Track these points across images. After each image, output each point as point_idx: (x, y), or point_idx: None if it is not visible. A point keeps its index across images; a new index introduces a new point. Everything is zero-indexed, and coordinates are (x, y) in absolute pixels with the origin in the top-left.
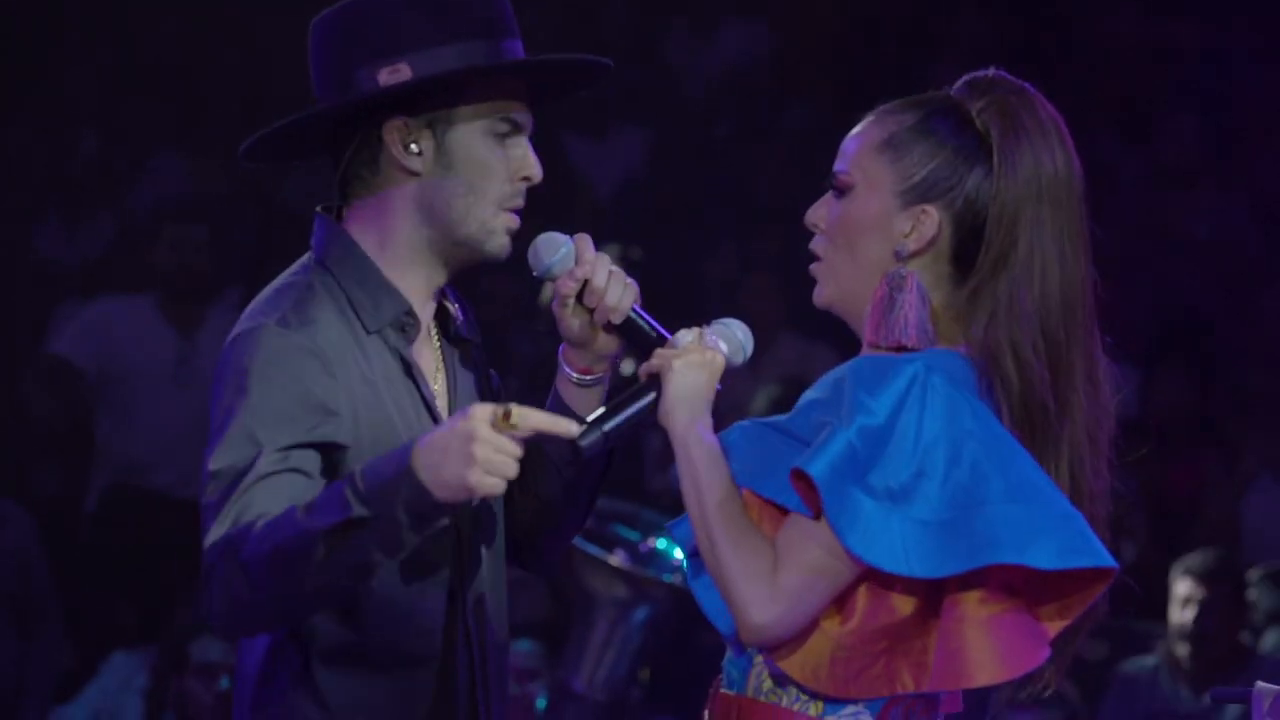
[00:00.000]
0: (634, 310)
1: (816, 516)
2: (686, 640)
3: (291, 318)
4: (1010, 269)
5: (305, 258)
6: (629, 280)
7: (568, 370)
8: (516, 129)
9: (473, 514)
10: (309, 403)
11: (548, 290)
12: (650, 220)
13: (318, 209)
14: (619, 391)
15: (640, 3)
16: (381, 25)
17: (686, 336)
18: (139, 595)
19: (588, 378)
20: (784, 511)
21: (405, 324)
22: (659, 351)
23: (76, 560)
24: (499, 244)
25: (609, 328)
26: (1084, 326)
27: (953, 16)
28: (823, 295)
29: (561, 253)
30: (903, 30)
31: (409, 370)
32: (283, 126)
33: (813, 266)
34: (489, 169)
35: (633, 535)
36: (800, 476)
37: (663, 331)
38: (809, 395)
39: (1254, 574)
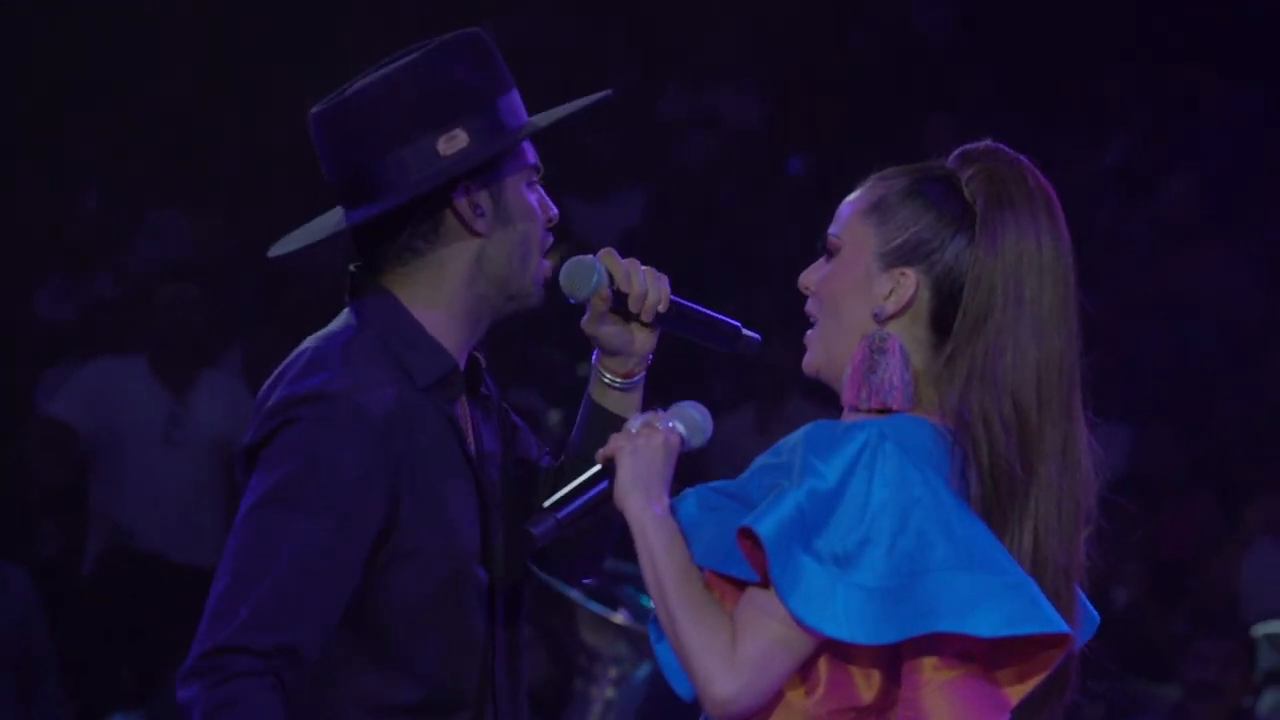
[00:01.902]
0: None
1: (764, 579)
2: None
3: (343, 380)
4: (985, 337)
5: (345, 320)
6: (657, 273)
7: (609, 378)
8: (538, 172)
9: (505, 569)
10: (363, 524)
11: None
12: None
13: (351, 270)
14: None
15: (641, 63)
16: (427, 94)
17: (639, 421)
18: (137, 656)
19: (631, 380)
20: (744, 587)
21: (452, 383)
22: (613, 436)
23: (76, 621)
24: (540, 295)
25: (654, 321)
26: (1060, 400)
27: (953, 72)
28: (810, 362)
29: (597, 275)
30: (903, 86)
31: (454, 430)
32: (362, 222)
33: (807, 334)
34: (534, 216)
35: (637, 594)
36: (747, 535)
37: (701, 308)
38: (762, 460)
39: (1256, 632)
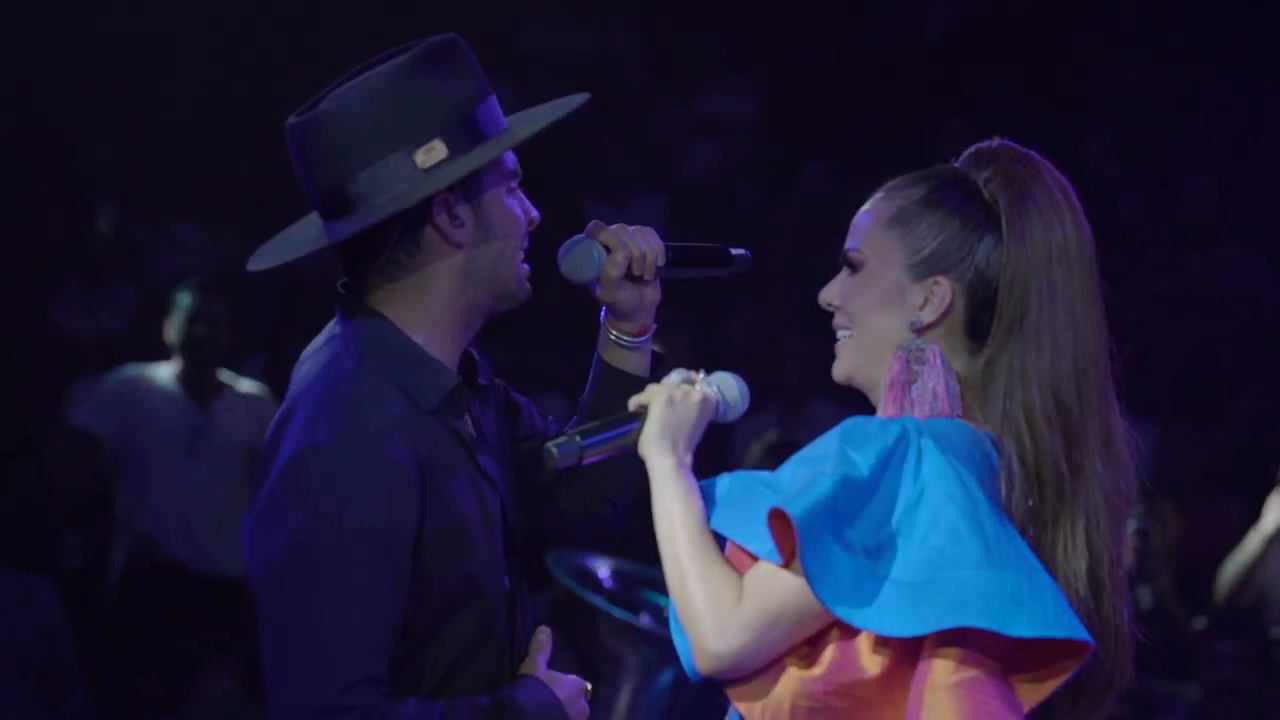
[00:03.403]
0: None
1: (786, 564)
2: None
3: (358, 423)
4: (1022, 337)
5: (337, 345)
6: (644, 229)
7: (622, 338)
8: (517, 176)
9: (520, 568)
10: (393, 569)
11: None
12: (671, 285)
13: (340, 289)
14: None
15: (652, 70)
16: (404, 106)
17: (679, 376)
18: (163, 665)
19: (643, 338)
20: (755, 559)
21: (457, 399)
22: (650, 386)
23: (101, 631)
24: (527, 290)
25: (656, 274)
26: (1098, 391)
27: (967, 72)
28: (841, 370)
29: (597, 252)
30: (917, 87)
31: (463, 444)
32: (346, 240)
33: (838, 344)
34: (516, 222)
35: (660, 599)
36: (778, 517)
37: (689, 244)
38: (797, 455)
39: (1275, 632)
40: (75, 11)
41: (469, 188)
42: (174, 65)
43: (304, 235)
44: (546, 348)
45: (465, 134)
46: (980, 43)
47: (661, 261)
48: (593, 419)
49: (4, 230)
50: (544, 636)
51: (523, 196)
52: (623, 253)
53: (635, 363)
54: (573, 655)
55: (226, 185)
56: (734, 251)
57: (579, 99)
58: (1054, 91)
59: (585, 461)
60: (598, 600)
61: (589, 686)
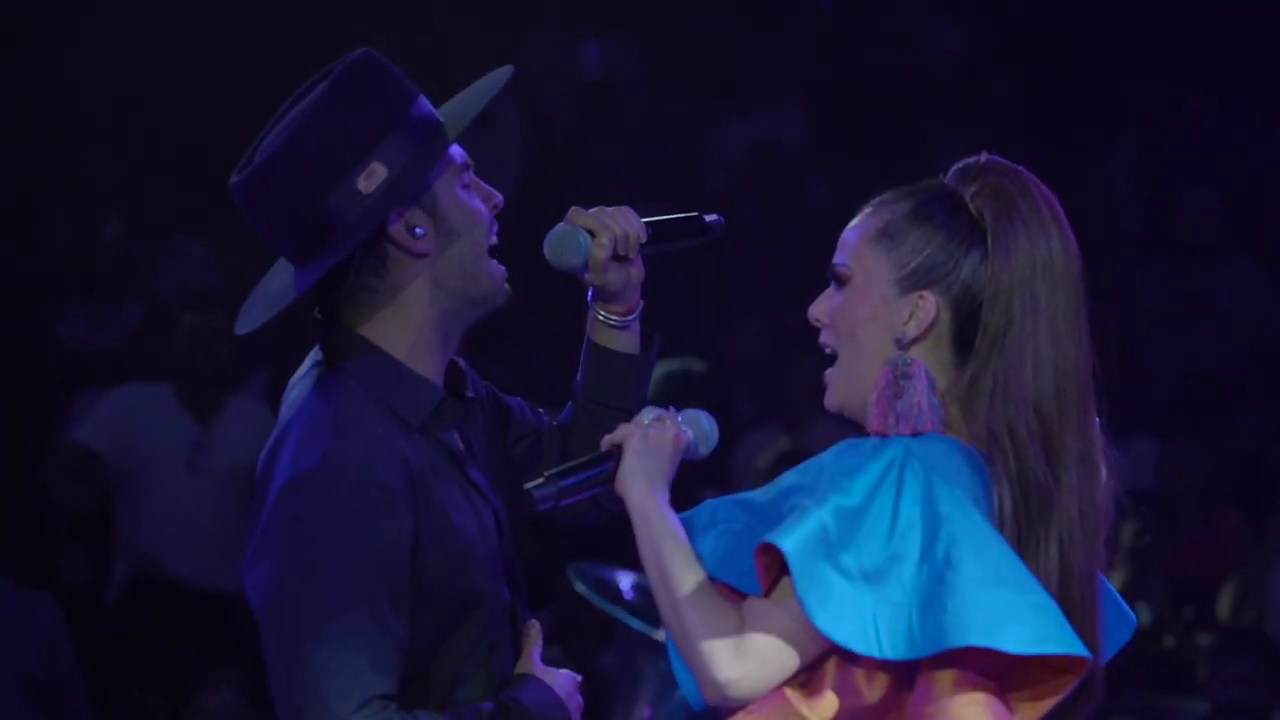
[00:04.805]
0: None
1: (767, 591)
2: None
3: (343, 448)
4: (1005, 351)
5: (320, 371)
6: (623, 209)
7: (610, 319)
8: (469, 167)
9: (518, 579)
10: (390, 577)
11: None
12: (675, 299)
13: (317, 316)
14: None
15: (661, 84)
16: (330, 141)
17: (651, 414)
18: (163, 682)
19: (631, 316)
20: (746, 596)
21: (444, 412)
22: (622, 426)
23: (102, 647)
24: (506, 291)
25: (640, 250)
26: (1078, 406)
27: (976, 90)
28: (833, 399)
29: (582, 238)
30: (924, 102)
31: (454, 458)
32: (309, 289)
33: (828, 372)
34: (476, 215)
35: None
36: (768, 551)
37: (665, 218)
38: (790, 479)
39: None
40: (79, 26)
41: (419, 194)
42: (179, 80)
43: (280, 284)
44: (554, 362)
45: (399, 146)
46: (986, 61)
47: (644, 239)
48: (588, 401)
49: (7, 243)
50: (535, 631)
51: (481, 183)
52: (607, 235)
53: (626, 342)
54: (578, 669)
55: (230, 200)
56: (708, 218)
57: (503, 75)
58: (1060, 109)
59: (564, 502)
60: (618, 612)
61: (580, 679)
